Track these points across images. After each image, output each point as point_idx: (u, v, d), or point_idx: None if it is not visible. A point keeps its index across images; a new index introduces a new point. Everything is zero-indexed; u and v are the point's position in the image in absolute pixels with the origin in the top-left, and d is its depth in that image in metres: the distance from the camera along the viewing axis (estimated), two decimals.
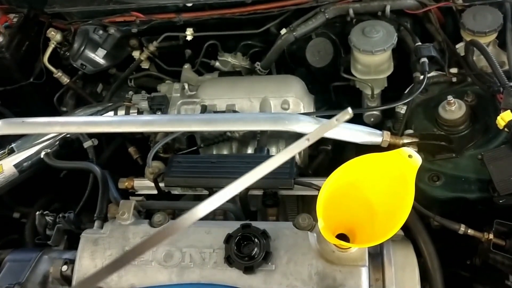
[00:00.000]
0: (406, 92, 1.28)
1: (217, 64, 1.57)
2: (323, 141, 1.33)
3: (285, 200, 1.29)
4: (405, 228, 1.07)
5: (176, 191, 1.25)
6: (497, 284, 1.03)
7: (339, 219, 0.97)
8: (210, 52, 1.59)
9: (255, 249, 0.98)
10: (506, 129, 1.04)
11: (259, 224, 1.03)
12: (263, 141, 1.25)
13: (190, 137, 1.41)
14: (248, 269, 0.98)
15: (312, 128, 1.15)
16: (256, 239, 0.99)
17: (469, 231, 1.02)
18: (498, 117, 1.04)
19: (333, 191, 0.93)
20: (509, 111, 1.05)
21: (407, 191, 0.89)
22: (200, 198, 1.25)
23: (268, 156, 1.23)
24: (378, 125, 1.39)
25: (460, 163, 1.13)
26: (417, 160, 0.91)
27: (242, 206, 1.21)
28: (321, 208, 0.90)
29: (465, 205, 1.11)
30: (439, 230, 1.11)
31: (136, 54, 1.63)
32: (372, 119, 1.37)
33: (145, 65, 1.65)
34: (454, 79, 1.26)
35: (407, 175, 0.90)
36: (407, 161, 0.91)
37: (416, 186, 1.14)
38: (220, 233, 1.03)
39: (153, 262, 1.02)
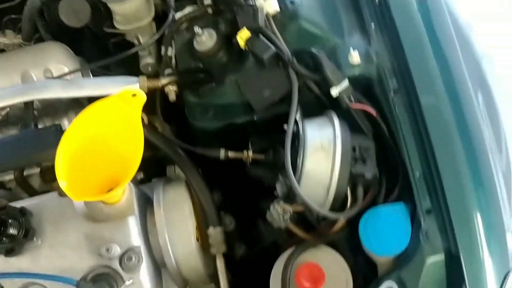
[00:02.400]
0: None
1: None
2: None
3: None
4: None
5: None
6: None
7: (88, 176, 0.94)
8: None
9: (11, 230, 0.93)
10: (246, 48, 1.07)
11: (20, 203, 0.97)
12: (28, 116, 1.18)
13: None
14: (9, 252, 0.92)
15: (63, 90, 1.10)
16: (11, 220, 0.94)
17: (229, 154, 1.05)
18: (237, 37, 1.05)
19: (74, 150, 0.90)
20: (245, 28, 1.06)
21: (138, 130, 0.88)
22: None
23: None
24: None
25: (223, 91, 1.13)
26: (142, 97, 0.89)
27: (24, 189, 1.15)
28: (61, 169, 0.87)
29: (237, 131, 1.12)
30: (227, 161, 1.14)
31: None
32: (149, 69, 1.34)
33: None
34: (210, 10, 1.26)
35: (134, 115, 0.88)
36: (132, 101, 0.90)
37: (191, 124, 1.18)
38: None
39: None
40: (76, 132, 0.89)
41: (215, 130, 1.13)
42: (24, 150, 1.06)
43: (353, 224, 0.99)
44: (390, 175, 1.02)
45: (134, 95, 0.88)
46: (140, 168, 1.26)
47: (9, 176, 1.18)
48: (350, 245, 1.02)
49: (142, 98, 0.88)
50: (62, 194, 1.02)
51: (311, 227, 1.06)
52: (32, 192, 1.16)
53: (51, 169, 1.10)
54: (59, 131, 1.09)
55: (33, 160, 1.09)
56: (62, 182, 0.86)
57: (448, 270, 0.88)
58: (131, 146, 0.87)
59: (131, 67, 1.30)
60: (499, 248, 0.88)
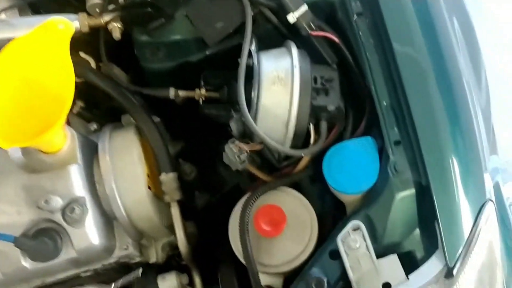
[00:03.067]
0: None
1: None
2: None
3: None
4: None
5: None
6: None
7: (28, 121, 0.84)
8: None
9: None
10: None
11: None
12: None
13: None
14: None
15: None
16: None
17: (180, 93, 0.95)
18: None
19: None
20: None
21: (67, 65, 0.78)
22: None
23: None
24: None
25: (174, 27, 1.01)
26: (69, 27, 0.79)
27: None
28: None
29: (191, 69, 1.02)
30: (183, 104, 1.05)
31: None
32: (97, 10, 1.22)
33: None
34: None
35: (62, 48, 0.79)
36: (59, 32, 0.79)
37: (143, 67, 1.06)
38: None
39: None
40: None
41: (168, 71, 1.03)
42: None
43: (318, 162, 0.92)
44: (358, 109, 0.94)
45: (61, 25, 0.78)
46: (95, 119, 1.21)
47: None
48: (315, 186, 0.96)
49: (70, 28, 0.78)
50: None
51: (275, 169, 1.00)
52: None
53: None
54: None
55: None
56: None
57: (419, 205, 0.81)
58: (62, 83, 0.78)
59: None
60: (473, 177, 0.81)
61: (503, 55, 1.87)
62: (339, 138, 0.92)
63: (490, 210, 0.80)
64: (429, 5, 0.91)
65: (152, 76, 1.06)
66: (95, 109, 1.19)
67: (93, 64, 1.10)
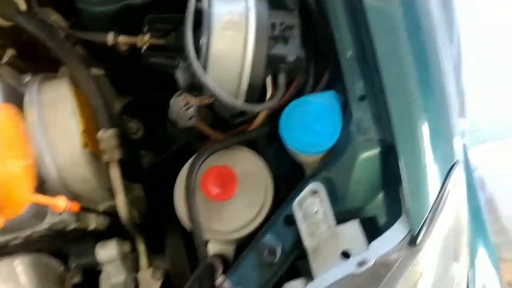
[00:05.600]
0: None
1: None
2: None
3: None
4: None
5: None
6: None
7: None
8: None
9: None
10: None
11: None
12: None
13: None
14: None
15: None
16: None
17: (120, 38, 0.83)
18: None
19: None
20: None
21: None
22: None
23: None
24: None
25: None
26: None
27: None
28: None
29: (136, 14, 0.90)
30: (129, 56, 0.93)
31: None
32: None
33: None
34: None
35: None
36: None
37: (80, 10, 0.93)
38: None
39: None
40: None
41: (109, 16, 0.89)
42: None
43: (276, 119, 0.83)
44: (320, 60, 0.86)
45: None
46: (32, 71, 1.09)
47: None
48: (272, 145, 0.87)
49: None
50: None
51: (229, 127, 0.91)
52: None
53: None
54: None
55: None
56: None
57: (384, 166, 0.74)
58: None
59: None
60: (443, 138, 0.74)
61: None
62: (299, 93, 0.83)
63: (459, 173, 0.74)
64: None
65: (90, 21, 0.92)
66: (33, 60, 1.07)
67: (23, 6, 0.98)
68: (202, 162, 0.76)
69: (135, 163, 0.94)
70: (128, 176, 0.90)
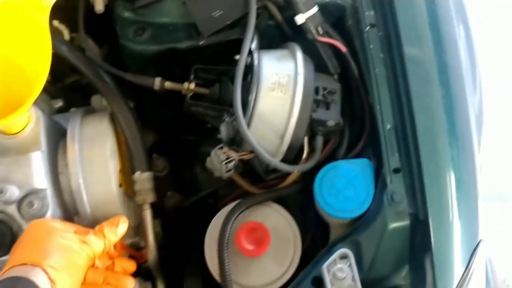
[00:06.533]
0: None
1: None
2: None
3: None
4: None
5: None
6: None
7: None
8: None
9: None
10: None
11: None
12: None
13: None
14: None
15: None
16: None
17: (166, 84, 0.86)
18: None
19: None
20: None
21: (44, 40, 0.67)
22: None
23: None
24: None
25: (165, 7, 0.90)
26: None
27: None
28: None
29: (178, 57, 0.93)
30: (164, 95, 0.95)
31: None
32: None
33: None
34: None
35: (40, 20, 0.68)
36: (36, 3, 0.68)
37: (123, 46, 0.96)
38: None
39: None
40: None
41: (151, 56, 0.92)
42: None
43: (306, 178, 0.85)
44: (354, 126, 0.89)
45: None
46: (60, 95, 1.09)
47: None
48: (300, 202, 0.90)
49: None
50: None
51: (258, 180, 0.92)
52: None
53: None
54: None
55: None
56: None
57: (411, 238, 0.77)
58: (36, 60, 0.67)
59: None
60: (471, 216, 0.77)
61: None
62: (332, 156, 0.86)
63: (482, 251, 0.78)
64: (444, 33, 0.84)
65: (131, 57, 0.94)
66: (59, 82, 1.08)
67: (66, 35, 0.99)
68: (237, 217, 0.78)
69: (158, 200, 0.95)
70: None
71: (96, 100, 1.00)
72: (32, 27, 0.67)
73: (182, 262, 0.92)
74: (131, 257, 0.90)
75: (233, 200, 0.88)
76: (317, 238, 0.91)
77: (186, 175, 0.98)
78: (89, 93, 1.04)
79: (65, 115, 0.91)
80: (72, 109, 0.93)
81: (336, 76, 0.87)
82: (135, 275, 0.88)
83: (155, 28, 0.92)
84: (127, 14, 0.91)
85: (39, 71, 0.66)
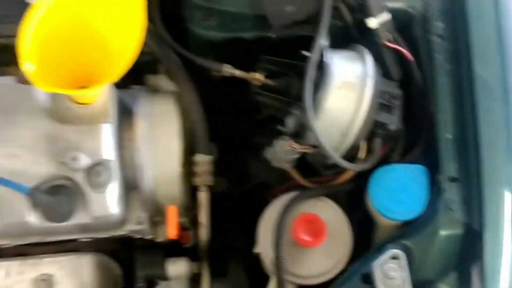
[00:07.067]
0: None
1: None
2: None
3: None
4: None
5: None
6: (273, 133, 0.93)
7: (66, 65, 0.75)
8: None
9: None
10: None
11: None
12: None
13: None
14: None
15: None
16: None
17: (236, 72, 0.87)
18: None
19: (50, 28, 0.70)
20: None
21: (137, 15, 0.68)
22: None
23: None
24: None
25: None
26: None
27: None
28: (29, 50, 0.67)
29: (240, 46, 0.94)
30: (221, 81, 0.97)
31: None
32: None
33: None
34: None
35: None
36: None
37: (189, 29, 0.98)
38: None
39: None
40: (55, 6, 0.69)
41: (215, 42, 0.94)
42: None
43: (359, 179, 0.88)
44: (409, 132, 0.91)
45: None
46: None
47: None
48: (349, 200, 0.92)
49: None
50: (22, 81, 0.83)
51: (306, 174, 0.95)
52: None
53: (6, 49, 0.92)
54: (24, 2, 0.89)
55: None
56: (29, 65, 0.66)
57: (462, 247, 0.79)
58: (126, 38, 0.68)
59: None
60: None
61: None
62: (386, 159, 0.89)
63: None
64: (508, 40, 0.86)
65: (196, 41, 0.96)
66: None
67: None
68: (294, 207, 0.80)
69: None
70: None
71: (150, 79, 1.00)
72: (128, 6, 0.69)
73: (226, 247, 0.95)
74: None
75: (284, 191, 0.90)
76: (358, 237, 0.93)
77: (236, 162, 1.00)
78: (141, 72, 1.06)
79: (127, 92, 0.93)
80: (135, 87, 0.95)
81: (397, 83, 0.90)
82: (182, 254, 0.91)
83: (223, 15, 0.93)
84: (197, 1, 0.93)
85: (129, 49, 0.67)
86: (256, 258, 0.93)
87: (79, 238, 0.86)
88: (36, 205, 0.75)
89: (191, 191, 0.90)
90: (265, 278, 0.91)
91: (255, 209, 0.93)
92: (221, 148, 1.02)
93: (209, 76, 0.95)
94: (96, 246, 0.89)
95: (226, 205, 0.98)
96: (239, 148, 1.01)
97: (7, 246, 0.84)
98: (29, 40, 0.67)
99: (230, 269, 0.90)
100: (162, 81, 0.96)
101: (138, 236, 0.89)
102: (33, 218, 0.77)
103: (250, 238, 0.97)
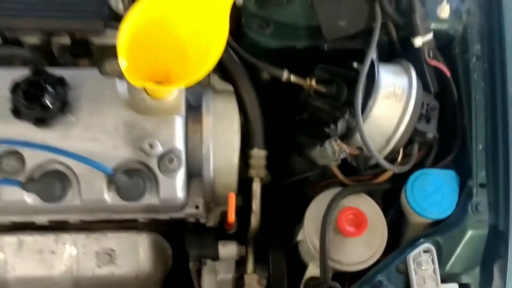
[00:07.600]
0: None
1: None
2: None
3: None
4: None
5: None
6: (318, 133, 1.03)
7: (149, 63, 0.83)
8: None
9: (47, 98, 0.82)
10: None
11: (58, 71, 0.85)
12: None
13: None
14: (40, 121, 0.81)
15: None
16: (49, 87, 0.82)
17: (292, 77, 0.97)
18: None
19: (138, 28, 0.79)
20: None
21: (221, 25, 0.78)
22: None
23: None
24: None
25: (290, 8, 1.03)
26: None
27: (46, 56, 1.01)
28: (124, 45, 0.76)
29: (293, 55, 1.04)
30: (269, 84, 1.06)
31: None
32: None
33: None
34: None
35: (221, 7, 0.79)
36: None
37: (245, 35, 1.08)
38: (3, 80, 0.84)
39: None
40: (147, 11, 0.78)
41: (269, 49, 1.03)
42: (61, 14, 0.93)
43: (396, 179, 0.97)
44: (442, 141, 1.00)
45: None
46: None
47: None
48: (383, 199, 1.01)
49: None
50: (104, 72, 0.93)
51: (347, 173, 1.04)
52: (53, 63, 1.03)
53: (83, 42, 1.01)
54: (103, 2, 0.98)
55: (67, 28, 0.97)
56: (122, 61, 0.76)
57: (487, 246, 0.89)
58: (207, 47, 0.76)
59: None
60: None
61: None
62: (420, 164, 0.98)
63: None
64: None
65: (251, 46, 1.04)
66: None
67: None
68: (339, 201, 0.90)
69: None
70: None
71: (205, 79, 1.10)
72: (214, 14, 0.77)
73: (267, 235, 1.04)
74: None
75: (324, 187, 1.00)
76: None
77: (280, 158, 1.09)
78: None
79: (189, 90, 1.02)
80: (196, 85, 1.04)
81: (433, 95, 0.99)
82: (232, 238, 1.00)
83: (279, 25, 1.03)
84: (254, 9, 1.03)
85: (208, 58, 0.75)
86: (293, 248, 1.04)
87: (140, 218, 0.96)
88: (116, 184, 0.84)
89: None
90: (300, 267, 1.02)
91: (295, 203, 1.03)
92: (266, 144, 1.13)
93: (259, 78, 1.06)
94: (151, 227, 0.99)
95: (268, 197, 1.07)
96: (283, 145, 1.10)
97: (75, 220, 0.93)
98: (124, 36, 0.76)
99: (272, 256, 0.99)
100: (215, 80, 1.05)
101: (192, 220, 0.99)
102: (109, 196, 0.86)
103: (288, 229, 1.08)
